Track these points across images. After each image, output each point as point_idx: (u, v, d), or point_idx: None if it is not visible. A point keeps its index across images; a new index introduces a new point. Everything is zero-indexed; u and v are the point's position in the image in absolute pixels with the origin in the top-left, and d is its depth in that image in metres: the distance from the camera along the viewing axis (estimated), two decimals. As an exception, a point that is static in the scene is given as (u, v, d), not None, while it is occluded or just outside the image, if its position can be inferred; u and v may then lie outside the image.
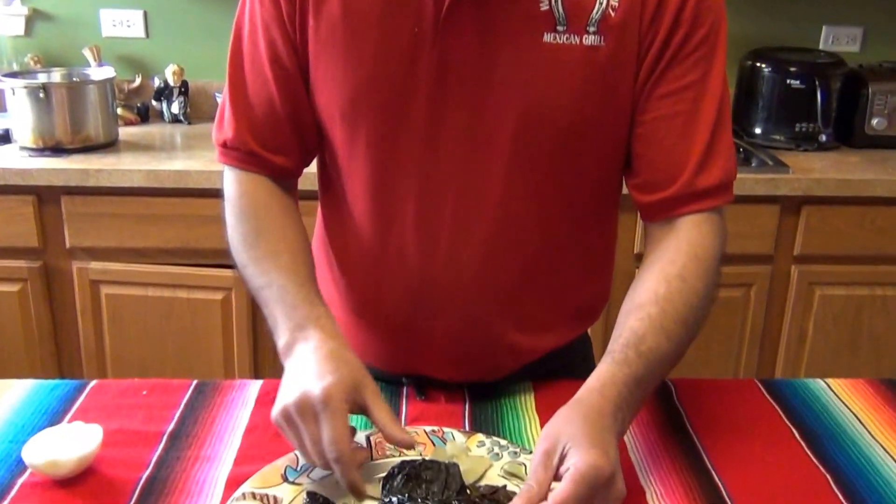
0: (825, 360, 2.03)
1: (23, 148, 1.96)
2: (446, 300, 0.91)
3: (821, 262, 1.99)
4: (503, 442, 0.84)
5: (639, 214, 0.91)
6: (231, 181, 0.94)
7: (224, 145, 0.94)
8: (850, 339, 2.04)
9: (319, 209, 1.03)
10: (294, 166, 0.95)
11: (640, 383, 0.78)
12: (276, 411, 0.77)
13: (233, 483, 0.78)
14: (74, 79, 2.09)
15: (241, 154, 0.93)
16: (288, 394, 0.76)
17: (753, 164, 2.01)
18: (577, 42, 0.81)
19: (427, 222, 0.89)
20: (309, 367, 0.77)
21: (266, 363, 2.01)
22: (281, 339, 0.82)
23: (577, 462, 0.68)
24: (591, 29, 0.81)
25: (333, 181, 0.96)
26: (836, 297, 2.01)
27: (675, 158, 0.85)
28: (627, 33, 0.82)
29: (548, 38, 0.81)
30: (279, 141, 0.92)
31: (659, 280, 0.83)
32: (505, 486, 0.77)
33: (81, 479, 0.78)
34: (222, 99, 0.95)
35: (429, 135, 0.86)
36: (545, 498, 0.67)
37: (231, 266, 1.14)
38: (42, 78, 2.06)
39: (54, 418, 0.89)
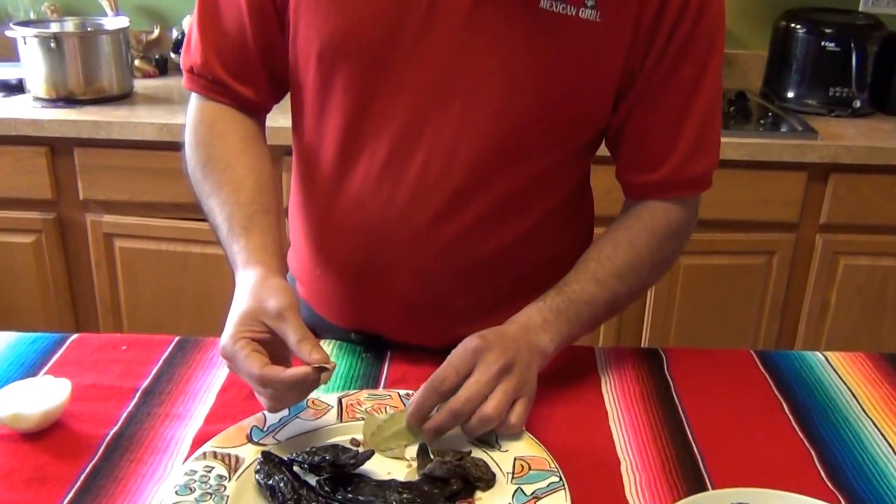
0: (847, 333, 1.97)
1: (36, 98, 1.97)
2: (400, 256, 0.90)
3: (846, 231, 1.91)
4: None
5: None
6: (194, 109, 0.93)
7: (191, 71, 0.92)
8: (874, 310, 1.97)
9: (294, 154, 1.02)
10: (262, 100, 0.94)
11: (560, 313, 0.85)
12: None
13: (199, 441, 0.77)
14: (87, 28, 2.08)
15: (207, 82, 0.91)
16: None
17: (783, 129, 1.92)
18: (574, 14, 0.81)
19: (392, 174, 0.87)
20: (231, 313, 0.77)
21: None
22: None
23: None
24: (590, 3, 0.80)
25: (304, 126, 0.94)
26: (860, 267, 1.94)
27: (666, 145, 0.88)
28: (625, 10, 0.81)
29: (544, 3, 0.80)
30: (248, 72, 0.91)
31: (608, 241, 0.90)
32: (470, 452, 0.75)
33: (47, 433, 0.78)
34: (190, 23, 0.93)
35: (409, 85, 0.84)
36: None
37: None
38: (54, 27, 2.05)
39: (29, 371, 0.89)
